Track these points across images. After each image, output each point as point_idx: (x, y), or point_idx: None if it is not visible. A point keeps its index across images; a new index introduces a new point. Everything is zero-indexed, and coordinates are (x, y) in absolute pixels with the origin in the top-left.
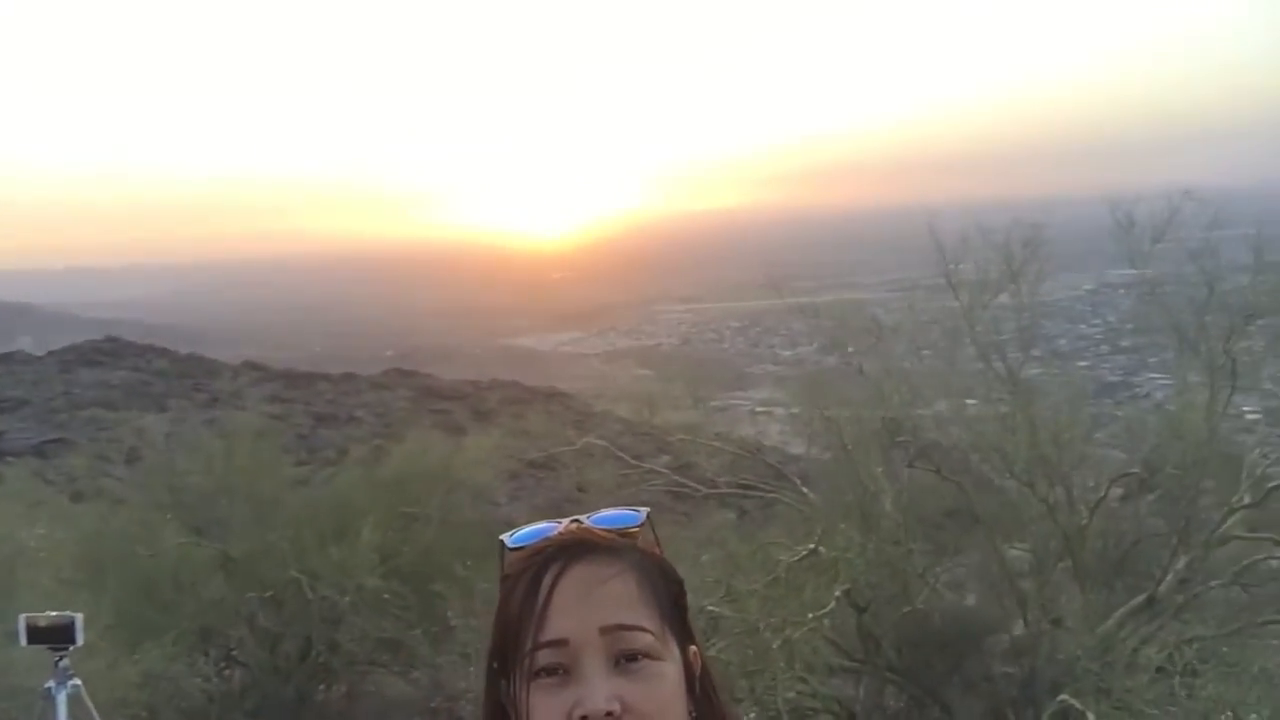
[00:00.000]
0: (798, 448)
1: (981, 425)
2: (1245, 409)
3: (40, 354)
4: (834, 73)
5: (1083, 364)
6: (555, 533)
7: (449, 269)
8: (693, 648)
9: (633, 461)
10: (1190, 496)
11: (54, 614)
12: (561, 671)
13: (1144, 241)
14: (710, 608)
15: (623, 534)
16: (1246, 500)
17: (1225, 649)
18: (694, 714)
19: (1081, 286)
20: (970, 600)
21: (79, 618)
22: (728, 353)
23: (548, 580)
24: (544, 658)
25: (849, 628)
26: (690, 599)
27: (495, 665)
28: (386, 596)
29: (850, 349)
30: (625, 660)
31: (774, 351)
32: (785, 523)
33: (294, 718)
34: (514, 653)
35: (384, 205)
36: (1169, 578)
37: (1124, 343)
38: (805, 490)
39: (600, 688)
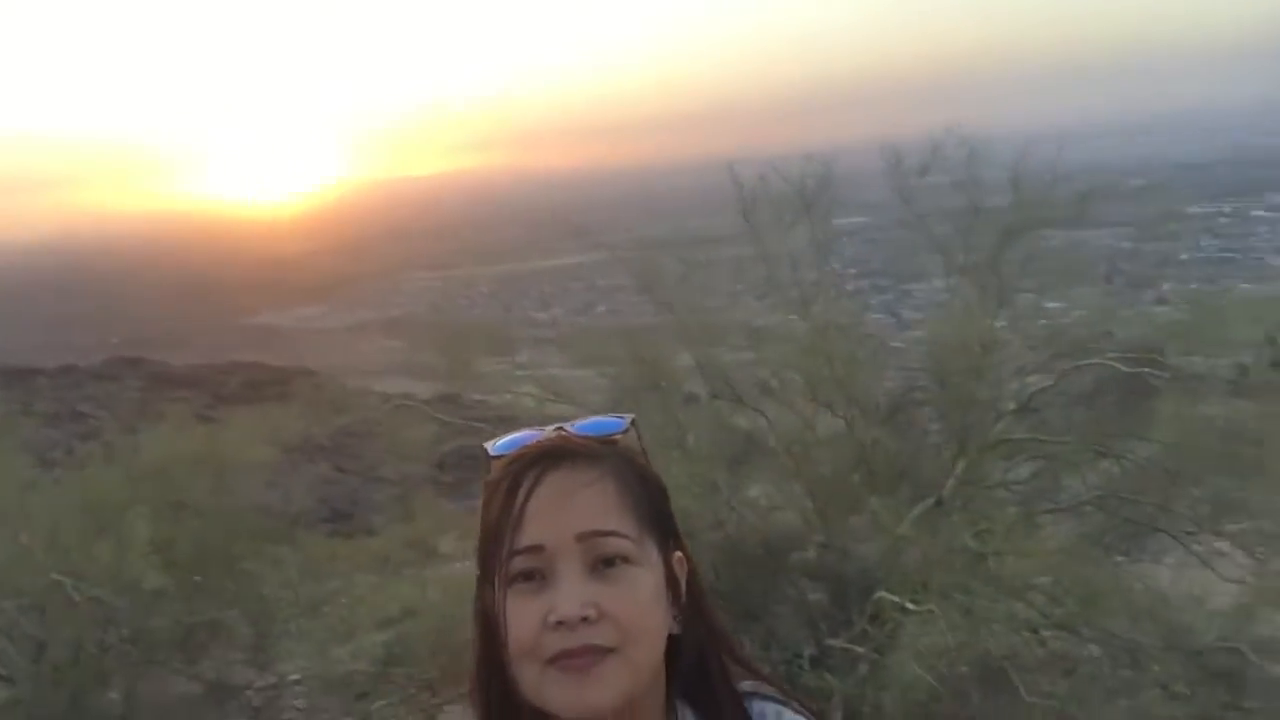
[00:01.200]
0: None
1: (781, 354)
2: (1001, 324)
3: None
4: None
5: (866, 293)
6: (534, 441)
7: (170, 244)
8: (678, 554)
9: (444, 418)
10: (965, 406)
11: None
12: (538, 577)
13: (910, 176)
14: None
15: (605, 441)
16: (1013, 406)
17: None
18: (678, 618)
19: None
20: (779, 521)
21: None
22: (482, 319)
23: (525, 486)
24: (520, 563)
25: None
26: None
27: (479, 573)
28: (165, 590)
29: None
30: (602, 565)
31: (529, 315)
32: None
33: None
34: (493, 559)
35: (98, 178)
36: (951, 481)
37: (898, 271)
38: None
39: (575, 592)
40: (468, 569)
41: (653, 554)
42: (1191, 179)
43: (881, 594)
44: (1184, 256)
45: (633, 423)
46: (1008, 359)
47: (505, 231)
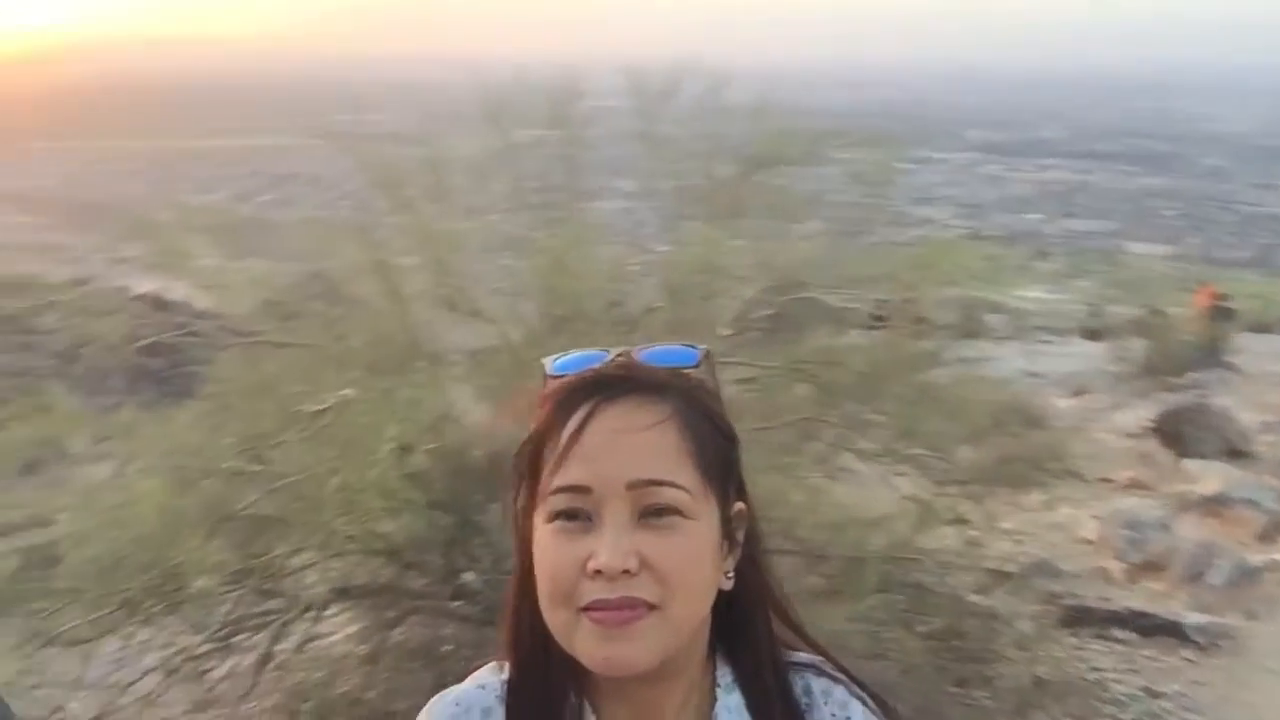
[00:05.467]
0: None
1: (520, 267)
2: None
3: None
4: None
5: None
6: (597, 365)
7: None
8: (739, 505)
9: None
10: (689, 327)
11: None
12: (582, 518)
13: (655, 101)
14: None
15: (673, 374)
16: (729, 332)
17: None
18: (729, 575)
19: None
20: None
21: None
22: (125, 199)
23: (577, 418)
24: (563, 501)
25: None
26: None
27: (520, 498)
28: None
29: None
30: (651, 515)
31: (182, 199)
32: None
33: None
34: (536, 490)
35: None
36: None
37: (621, 185)
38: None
39: (619, 541)
40: (101, 473)
41: (710, 506)
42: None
43: None
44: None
45: (706, 355)
46: (729, 287)
47: (176, 103)
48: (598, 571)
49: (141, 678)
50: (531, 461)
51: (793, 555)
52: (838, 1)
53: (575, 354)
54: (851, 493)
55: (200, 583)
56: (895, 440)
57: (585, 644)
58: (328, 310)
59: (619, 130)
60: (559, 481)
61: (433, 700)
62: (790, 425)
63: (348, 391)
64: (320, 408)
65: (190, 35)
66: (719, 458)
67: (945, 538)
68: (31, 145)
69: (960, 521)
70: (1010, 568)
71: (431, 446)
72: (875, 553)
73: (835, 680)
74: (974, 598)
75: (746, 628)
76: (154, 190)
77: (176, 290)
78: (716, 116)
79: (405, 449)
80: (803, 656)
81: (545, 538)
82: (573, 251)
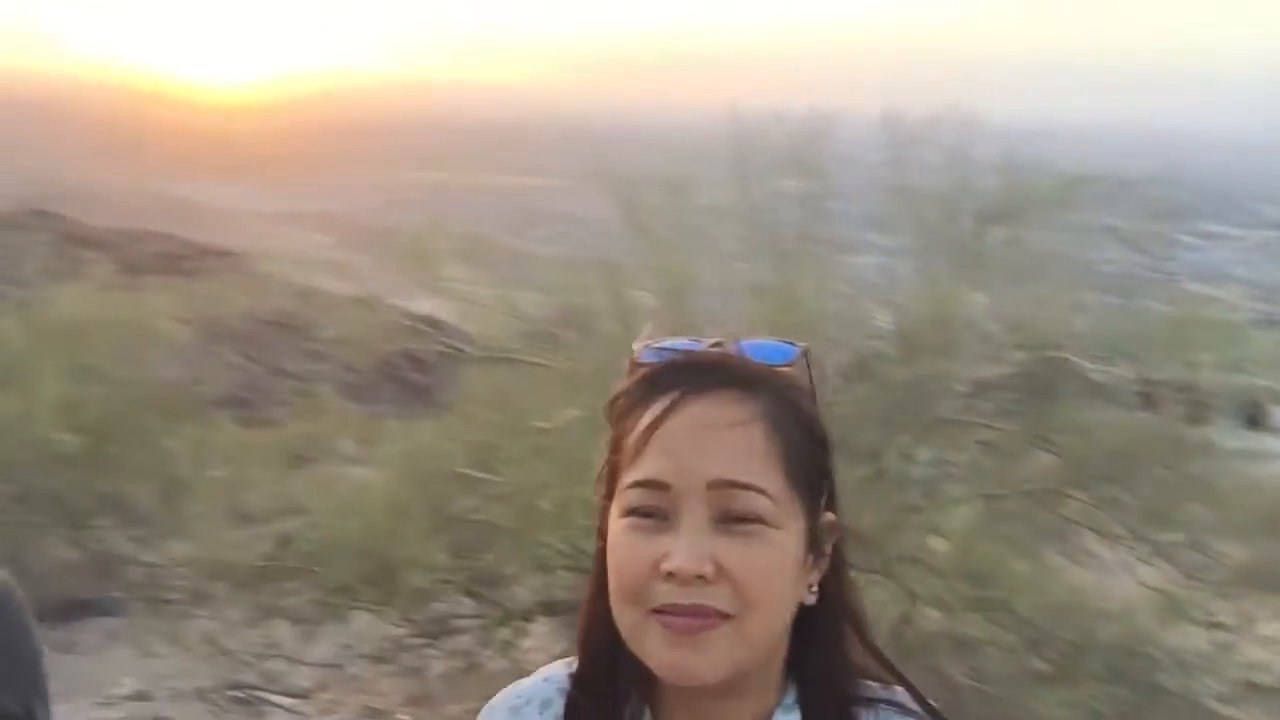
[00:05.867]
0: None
1: (754, 306)
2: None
3: None
4: None
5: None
6: (688, 353)
7: (106, 107)
8: (829, 515)
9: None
10: (922, 381)
11: None
12: (658, 515)
13: (906, 149)
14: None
15: (767, 370)
16: (965, 390)
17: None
18: (813, 589)
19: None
20: None
21: None
22: (407, 225)
23: (659, 407)
24: (639, 497)
25: None
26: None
27: (601, 490)
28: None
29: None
30: (732, 521)
31: (456, 229)
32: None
33: None
34: (614, 482)
35: (23, 31)
36: (892, 453)
37: (870, 237)
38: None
39: (696, 545)
40: (365, 475)
41: (796, 515)
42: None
43: None
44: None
45: (805, 353)
46: (970, 341)
47: (459, 141)
48: (670, 574)
49: (352, 661)
50: (612, 449)
51: (1008, 631)
52: (1126, 53)
53: (664, 341)
54: (1086, 575)
55: (415, 578)
56: (1145, 526)
57: (653, 648)
58: (570, 337)
59: (869, 179)
60: (636, 475)
61: (501, 691)
62: (1027, 495)
63: (573, 412)
64: (547, 425)
65: (478, 79)
66: (809, 463)
67: (1191, 637)
68: (335, 172)
69: (1214, 624)
70: (1266, 679)
71: None
72: (1106, 642)
73: (910, 713)
74: (1218, 706)
75: (820, 647)
76: (433, 219)
77: (444, 311)
78: (971, 168)
79: None
80: (882, 691)
81: (619, 533)
82: (807, 296)
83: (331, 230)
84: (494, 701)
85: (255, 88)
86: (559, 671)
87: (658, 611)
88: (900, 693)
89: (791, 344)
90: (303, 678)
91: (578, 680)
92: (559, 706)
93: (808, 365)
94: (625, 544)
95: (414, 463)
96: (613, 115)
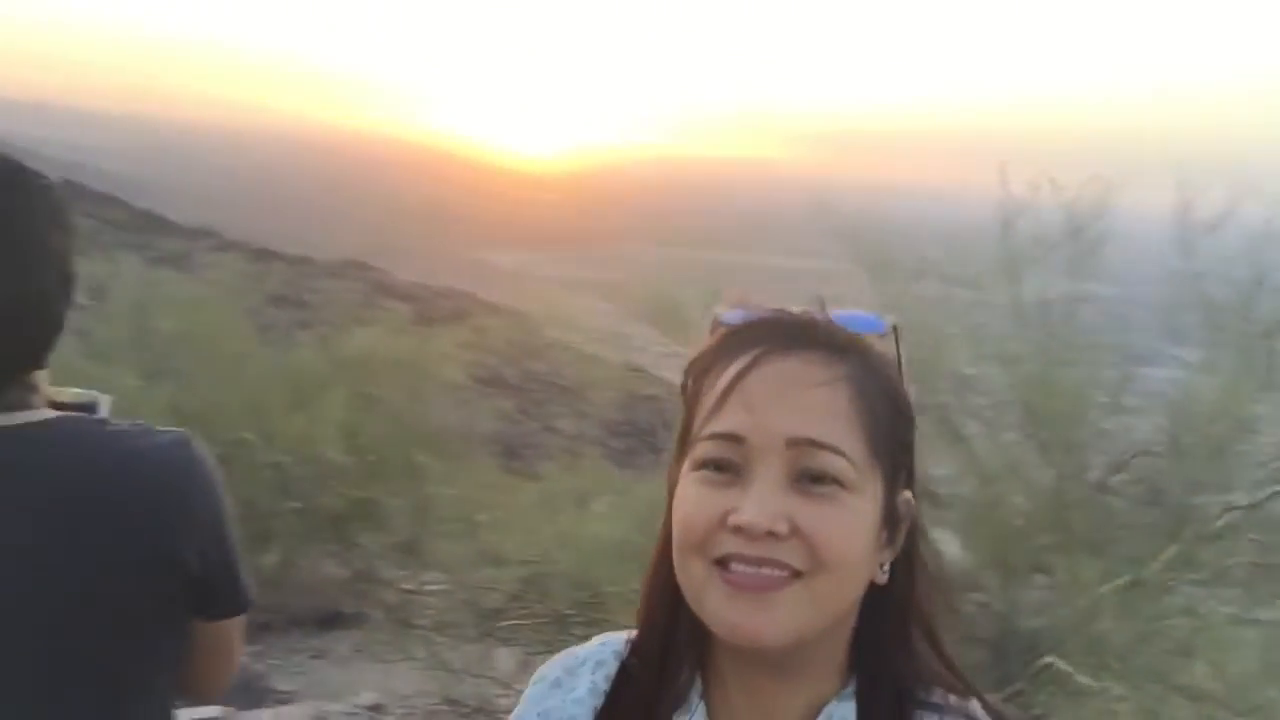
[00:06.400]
0: None
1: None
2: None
3: None
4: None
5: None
6: (775, 312)
7: (422, 169)
8: (907, 493)
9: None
10: (1195, 487)
11: (76, 390)
12: (731, 470)
13: (1198, 229)
14: None
15: (856, 338)
16: (1244, 502)
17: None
18: (885, 569)
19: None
20: (954, 553)
21: (104, 400)
22: (680, 300)
23: (740, 364)
24: (713, 449)
25: None
26: None
27: (676, 449)
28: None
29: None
30: (808, 480)
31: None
32: None
33: None
34: (687, 440)
35: (360, 94)
36: (1157, 564)
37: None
38: None
39: (769, 500)
40: (614, 529)
41: (875, 483)
42: None
43: (1053, 659)
44: None
45: (894, 328)
46: (1255, 446)
47: (725, 217)
48: (739, 528)
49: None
50: (688, 405)
51: None
52: None
53: (749, 306)
54: None
55: (619, 613)
56: None
57: (715, 605)
58: None
59: (1155, 274)
60: (712, 427)
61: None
62: None
63: None
64: None
65: (735, 155)
66: (892, 434)
67: None
68: (620, 244)
69: None
70: None
71: None
72: None
73: None
74: None
75: (885, 641)
76: (705, 295)
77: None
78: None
79: None
80: (954, 700)
81: (687, 486)
82: (1063, 372)
83: (613, 298)
84: (553, 659)
85: (548, 160)
86: (616, 636)
87: (722, 565)
88: (975, 706)
89: (881, 317)
90: (507, 702)
91: (635, 646)
92: (611, 669)
93: (896, 341)
94: (693, 496)
95: (640, 508)
96: (868, 193)
